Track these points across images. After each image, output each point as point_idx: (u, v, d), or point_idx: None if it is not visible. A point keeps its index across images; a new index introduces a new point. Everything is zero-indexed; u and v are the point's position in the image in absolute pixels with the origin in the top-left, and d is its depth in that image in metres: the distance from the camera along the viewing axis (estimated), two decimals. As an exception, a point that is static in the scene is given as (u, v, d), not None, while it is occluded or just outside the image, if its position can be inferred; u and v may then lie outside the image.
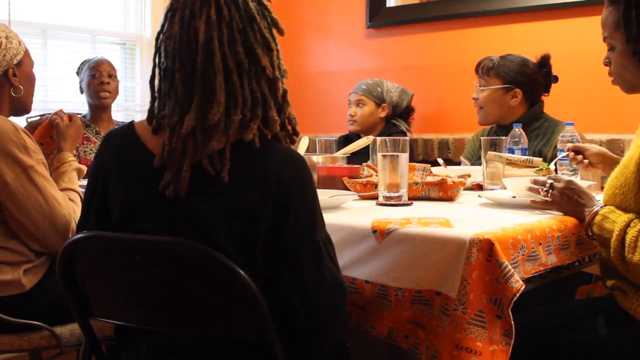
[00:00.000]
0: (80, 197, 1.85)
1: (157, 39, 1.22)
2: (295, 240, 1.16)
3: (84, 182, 1.95)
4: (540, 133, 2.54)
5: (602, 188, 1.68)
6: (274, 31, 1.23)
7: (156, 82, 1.25)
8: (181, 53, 1.17)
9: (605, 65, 1.62)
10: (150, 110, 1.23)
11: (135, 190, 1.20)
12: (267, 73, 1.19)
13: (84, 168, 1.98)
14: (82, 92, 3.04)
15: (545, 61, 2.62)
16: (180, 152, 1.14)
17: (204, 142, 1.14)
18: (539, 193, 1.60)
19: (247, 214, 1.14)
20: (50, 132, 2.06)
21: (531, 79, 2.59)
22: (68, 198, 1.81)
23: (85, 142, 2.92)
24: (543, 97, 2.64)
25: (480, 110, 2.66)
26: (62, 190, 1.84)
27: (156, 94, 1.23)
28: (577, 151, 1.95)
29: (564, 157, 2.08)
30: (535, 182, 1.63)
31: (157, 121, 1.22)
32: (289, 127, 1.25)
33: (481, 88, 2.64)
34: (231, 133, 1.15)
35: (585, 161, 1.91)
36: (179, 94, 1.17)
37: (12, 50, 1.84)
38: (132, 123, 1.28)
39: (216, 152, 1.14)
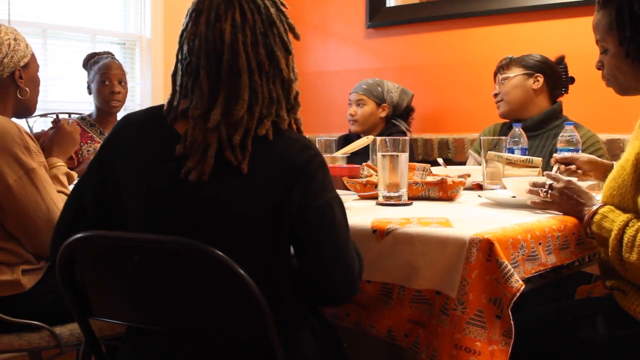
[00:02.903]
0: None
1: (181, 36, 1.28)
2: (314, 225, 1.23)
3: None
4: (558, 132, 2.54)
5: None
6: (290, 36, 1.30)
7: (178, 76, 1.30)
8: (207, 51, 1.23)
9: (598, 69, 1.62)
10: (170, 102, 1.29)
11: (156, 170, 1.25)
12: (283, 75, 1.27)
13: (74, 174, 1.98)
14: (89, 92, 3.00)
15: (560, 60, 2.67)
16: (202, 142, 1.21)
17: (228, 135, 1.21)
18: (539, 194, 1.60)
19: (266, 202, 1.20)
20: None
21: (552, 68, 2.62)
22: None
23: (89, 142, 2.91)
24: (561, 99, 2.65)
25: (500, 103, 2.66)
26: (58, 192, 1.84)
27: (177, 88, 1.29)
28: (568, 162, 1.93)
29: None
30: (534, 184, 1.63)
31: (175, 113, 1.27)
32: (294, 127, 1.32)
33: (502, 79, 2.64)
34: (253, 127, 1.22)
35: (580, 171, 1.91)
36: (203, 90, 1.23)
37: (20, 53, 1.85)
38: (151, 107, 1.34)
39: (238, 144, 1.20)
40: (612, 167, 1.88)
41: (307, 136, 2.44)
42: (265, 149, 1.22)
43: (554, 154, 1.98)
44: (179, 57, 1.28)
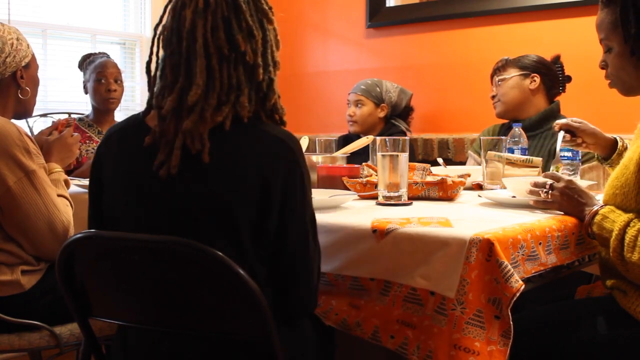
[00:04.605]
0: (71, 204, 1.86)
1: (155, 30, 1.29)
2: (285, 218, 1.21)
3: (85, 181, 1.95)
4: (556, 132, 2.54)
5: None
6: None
7: (153, 71, 1.31)
8: (171, 41, 1.23)
9: (602, 68, 1.61)
10: (149, 97, 1.30)
11: (132, 165, 1.25)
12: (247, 59, 1.23)
13: (70, 181, 1.98)
14: (86, 92, 3.01)
15: (556, 60, 2.67)
16: (172, 133, 1.19)
17: (185, 122, 1.19)
18: (540, 195, 1.60)
19: (231, 194, 1.17)
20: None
21: (548, 68, 2.62)
22: (65, 205, 1.81)
23: (87, 142, 2.92)
24: (558, 98, 2.65)
25: (497, 103, 2.66)
26: (58, 196, 1.83)
27: (151, 81, 1.30)
28: (572, 132, 1.91)
29: (563, 156, 2.07)
30: (535, 184, 1.63)
31: (150, 106, 1.28)
32: (276, 117, 1.29)
33: (499, 81, 2.64)
34: (208, 115, 1.19)
35: (583, 144, 1.90)
36: (168, 79, 1.23)
37: (22, 52, 1.86)
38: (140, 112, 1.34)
39: (197, 133, 1.18)
40: (613, 141, 1.88)
41: (307, 136, 2.45)
42: (227, 140, 1.19)
43: (557, 121, 1.96)
44: (153, 50, 1.29)
